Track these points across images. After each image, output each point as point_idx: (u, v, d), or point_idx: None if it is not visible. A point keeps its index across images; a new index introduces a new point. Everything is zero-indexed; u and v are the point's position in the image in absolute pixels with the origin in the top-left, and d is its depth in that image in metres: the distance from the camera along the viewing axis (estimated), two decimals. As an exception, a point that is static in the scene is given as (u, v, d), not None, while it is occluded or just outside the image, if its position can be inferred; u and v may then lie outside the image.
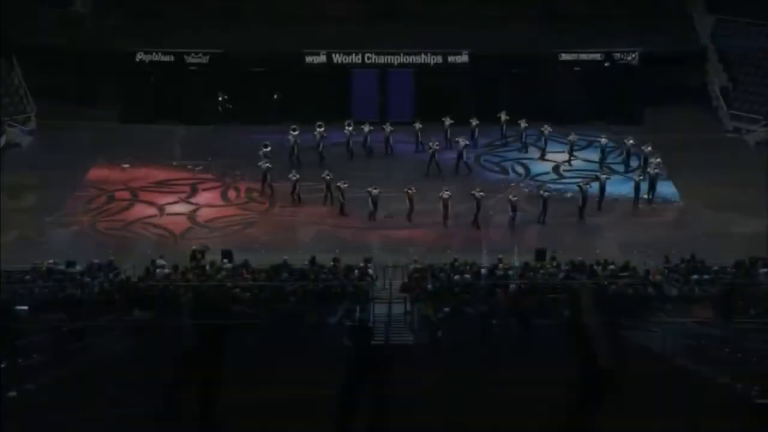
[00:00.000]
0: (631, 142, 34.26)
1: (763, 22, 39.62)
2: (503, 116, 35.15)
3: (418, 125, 34.77)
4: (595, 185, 30.75)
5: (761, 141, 36.38)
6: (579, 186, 30.49)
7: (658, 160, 32.40)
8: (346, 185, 29.94)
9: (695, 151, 35.36)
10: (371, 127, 34.45)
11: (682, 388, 11.72)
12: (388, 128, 34.55)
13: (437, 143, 33.31)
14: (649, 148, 33.55)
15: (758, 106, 37.60)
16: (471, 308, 19.97)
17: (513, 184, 32.27)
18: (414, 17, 40.24)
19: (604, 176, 31.21)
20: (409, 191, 29.69)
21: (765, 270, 22.88)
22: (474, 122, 34.73)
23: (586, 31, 39.60)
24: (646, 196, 31.32)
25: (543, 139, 34.74)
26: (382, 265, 25.14)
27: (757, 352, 12.72)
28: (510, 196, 29.69)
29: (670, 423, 9.68)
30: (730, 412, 9.95)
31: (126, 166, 33.93)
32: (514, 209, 29.24)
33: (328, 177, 30.24)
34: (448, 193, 29.44)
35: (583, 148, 35.34)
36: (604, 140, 34.30)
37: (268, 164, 31.08)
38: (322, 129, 33.54)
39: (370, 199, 29.64)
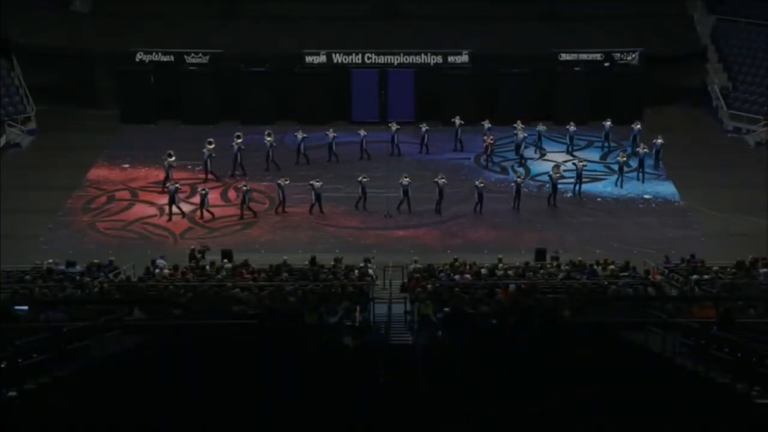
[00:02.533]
0: (609, 124, 34.71)
1: (763, 22, 39.70)
2: (458, 121, 34.92)
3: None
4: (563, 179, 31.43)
5: (761, 141, 36.43)
6: (549, 175, 31.09)
7: (660, 140, 32.73)
8: (287, 182, 29.98)
9: (695, 151, 35.43)
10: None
11: (683, 388, 11.72)
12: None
13: (492, 137, 33.79)
14: (639, 126, 34.05)
15: (758, 106, 37.65)
16: (471, 308, 19.93)
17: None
18: (414, 17, 40.34)
19: (581, 164, 31.62)
20: (363, 180, 29.97)
21: (765, 270, 22.87)
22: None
23: (586, 31, 39.68)
24: (647, 196, 31.49)
25: (516, 136, 34.82)
26: (382, 265, 25.18)
27: (757, 352, 12.71)
28: (477, 183, 30.01)
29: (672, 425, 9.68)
30: (730, 412, 9.95)
31: (126, 166, 33.94)
32: (480, 196, 29.63)
33: (245, 188, 29.67)
34: (407, 180, 29.81)
35: (583, 148, 35.49)
36: (572, 128, 34.68)
37: (177, 185, 29.96)
38: (271, 138, 33.10)
39: (312, 192, 29.73)
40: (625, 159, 32.10)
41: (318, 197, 29.77)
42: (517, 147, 34.09)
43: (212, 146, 32.47)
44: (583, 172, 31.50)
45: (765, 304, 19.40)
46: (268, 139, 33.09)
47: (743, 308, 18.46)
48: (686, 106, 39.70)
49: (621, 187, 31.83)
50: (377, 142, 34.84)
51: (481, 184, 29.93)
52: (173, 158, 31.62)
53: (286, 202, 30.00)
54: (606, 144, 35.22)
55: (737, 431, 9.11)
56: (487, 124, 34.76)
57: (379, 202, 30.69)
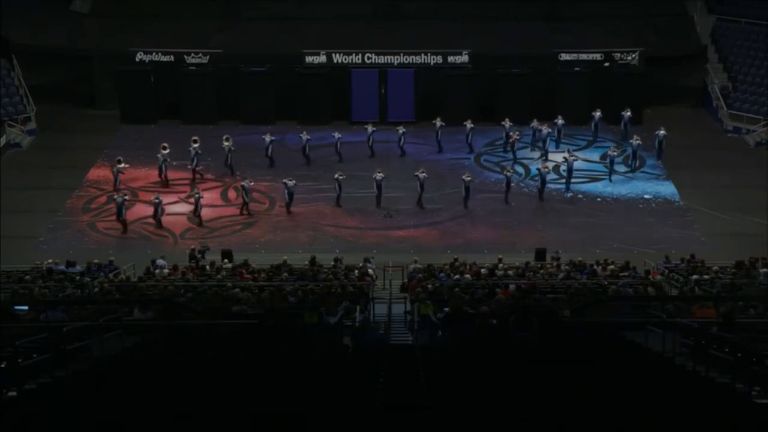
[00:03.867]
0: (599, 114, 34.95)
1: (763, 22, 39.71)
2: (438, 122, 34.93)
3: (439, 123, 34.81)
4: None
5: (761, 141, 36.43)
6: (538, 169, 31.53)
7: (663, 131, 33.12)
8: (251, 184, 30.22)
9: (695, 151, 35.45)
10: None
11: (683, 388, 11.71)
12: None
13: (518, 133, 34.19)
14: (629, 113, 34.33)
15: (758, 106, 37.66)
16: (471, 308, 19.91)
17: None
18: (414, 17, 40.36)
19: (572, 158, 31.90)
20: (339, 177, 30.23)
21: (765, 270, 22.86)
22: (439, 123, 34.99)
23: (586, 31, 39.71)
24: (647, 196, 31.52)
25: (505, 132, 35.03)
26: (382, 265, 25.20)
27: (757, 352, 12.70)
28: (463, 177, 30.21)
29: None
30: (730, 412, 9.94)
31: (126, 166, 33.61)
32: (467, 190, 29.96)
33: (197, 195, 29.57)
34: (381, 175, 30.16)
35: (583, 148, 35.54)
36: (560, 121, 35.07)
37: (125, 196, 29.60)
38: (229, 142, 32.81)
39: (285, 191, 29.90)
40: (615, 153, 32.59)
41: (290, 195, 29.92)
42: (543, 142, 34.38)
43: (197, 144, 32.49)
44: (574, 169, 31.76)
45: (765, 303, 19.38)
46: (226, 143, 32.95)
47: (743, 308, 18.44)
48: (686, 106, 39.73)
49: (611, 181, 32.12)
50: (379, 142, 34.87)
51: (468, 178, 30.15)
52: (122, 164, 31.54)
53: (248, 204, 30.13)
54: (596, 136, 35.53)
55: (737, 431, 9.10)
56: (469, 125, 34.80)
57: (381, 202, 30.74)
